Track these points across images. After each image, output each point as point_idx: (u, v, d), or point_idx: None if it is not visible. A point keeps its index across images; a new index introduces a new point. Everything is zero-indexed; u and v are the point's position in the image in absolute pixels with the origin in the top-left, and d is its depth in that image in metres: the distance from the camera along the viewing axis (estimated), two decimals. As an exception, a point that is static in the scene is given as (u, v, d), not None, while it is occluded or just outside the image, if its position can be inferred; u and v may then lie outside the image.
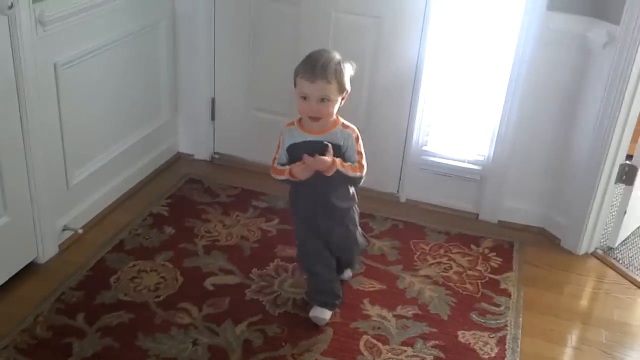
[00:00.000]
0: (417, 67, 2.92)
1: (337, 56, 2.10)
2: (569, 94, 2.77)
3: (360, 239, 2.41)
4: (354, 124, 3.05)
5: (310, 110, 2.06)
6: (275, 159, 2.21)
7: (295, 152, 2.13)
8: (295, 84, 2.10)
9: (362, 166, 2.17)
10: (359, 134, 2.20)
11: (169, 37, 3.14)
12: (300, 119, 2.16)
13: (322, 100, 2.05)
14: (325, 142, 2.09)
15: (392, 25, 2.91)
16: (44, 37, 2.33)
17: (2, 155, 2.23)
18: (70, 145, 2.59)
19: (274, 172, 2.20)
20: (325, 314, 2.31)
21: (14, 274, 2.39)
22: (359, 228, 2.39)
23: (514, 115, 2.86)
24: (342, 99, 2.11)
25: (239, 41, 3.18)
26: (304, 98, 2.06)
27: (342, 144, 2.13)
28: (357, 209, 2.36)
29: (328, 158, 2.07)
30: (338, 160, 2.10)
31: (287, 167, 2.15)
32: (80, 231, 2.64)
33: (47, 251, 2.53)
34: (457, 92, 2.96)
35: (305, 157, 2.05)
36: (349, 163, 2.14)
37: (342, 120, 2.18)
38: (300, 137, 2.14)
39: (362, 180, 2.22)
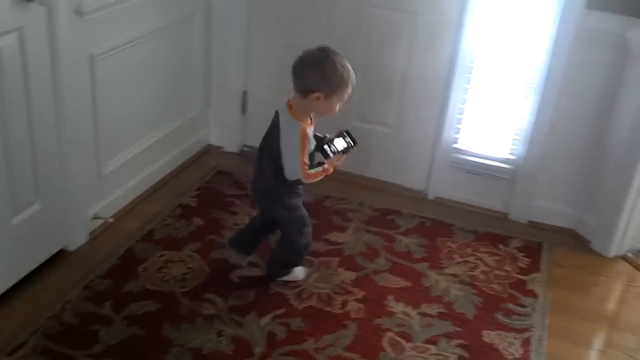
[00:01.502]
0: (451, 63, 2.90)
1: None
2: (605, 95, 2.73)
3: None
4: (385, 119, 3.11)
5: (335, 110, 2.23)
6: (304, 163, 2.20)
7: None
8: (333, 92, 2.17)
9: None
10: None
11: (204, 30, 3.16)
12: (304, 118, 2.23)
13: None
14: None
15: (427, 21, 2.89)
16: (81, 27, 2.36)
17: (36, 142, 2.27)
18: (103, 135, 2.63)
19: (312, 177, 2.23)
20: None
21: (44, 260, 2.44)
22: None
23: (548, 115, 2.82)
24: None
25: (273, 35, 3.19)
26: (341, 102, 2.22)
27: None
28: None
29: None
30: None
31: (321, 168, 2.24)
32: (111, 220, 2.68)
33: (77, 239, 2.57)
34: (490, 89, 2.93)
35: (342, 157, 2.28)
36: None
37: None
38: (311, 132, 2.26)
39: None
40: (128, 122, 2.80)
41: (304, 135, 2.19)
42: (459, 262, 2.68)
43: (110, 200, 2.76)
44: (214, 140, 3.46)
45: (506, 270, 2.65)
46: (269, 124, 3.40)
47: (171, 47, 2.97)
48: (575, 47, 2.68)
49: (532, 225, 3.00)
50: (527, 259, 2.73)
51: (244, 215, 2.86)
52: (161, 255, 2.56)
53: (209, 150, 3.43)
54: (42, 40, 2.21)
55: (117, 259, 2.53)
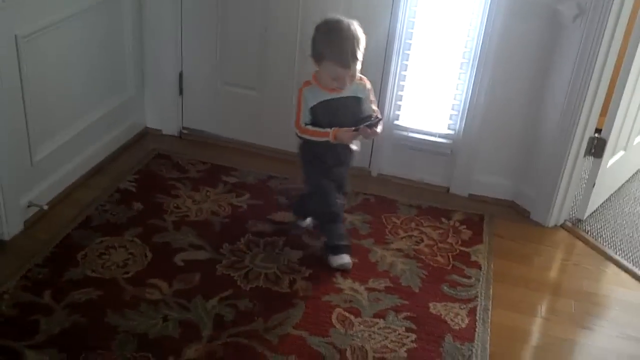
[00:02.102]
0: (388, 40, 2.90)
1: (354, 28, 2.25)
2: (538, 67, 2.78)
3: None
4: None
5: (341, 84, 2.27)
6: (299, 118, 2.34)
7: (325, 110, 2.32)
8: (318, 60, 2.27)
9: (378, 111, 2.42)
10: (370, 84, 2.40)
11: (135, 9, 3.06)
12: (317, 78, 2.33)
13: (352, 75, 2.27)
14: (378, 117, 2.34)
15: (362, -3, 2.87)
16: (4, 7, 2.25)
17: (-38, 129, 2.16)
18: (34, 120, 2.51)
19: (306, 132, 2.35)
20: (349, 259, 2.48)
21: (-23, 251, 2.34)
22: None
23: (484, 89, 2.85)
24: None
25: (207, 13, 3.11)
26: (335, 78, 2.26)
27: (362, 96, 2.37)
28: None
29: (379, 129, 2.33)
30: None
31: (329, 130, 2.31)
32: (46, 207, 2.58)
33: (12, 228, 2.47)
34: (427, 65, 2.94)
35: (363, 129, 2.29)
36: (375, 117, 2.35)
37: None
38: (325, 95, 2.32)
39: None
40: (59, 106, 2.69)
41: (299, 95, 2.34)
42: (403, 237, 2.70)
43: (45, 187, 2.65)
44: (152, 123, 3.37)
45: (449, 243, 2.69)
46: (207, 105, 3.36)
47: (101, 28, 2.87)
48: (508, 20, 2.71)
49: (473, 198, 3.04)
50: (469, 231, 2.78)
51: (185, 199, 2.80)
52: (101, 242, 2.48)
53: (146, 134, 3.34)
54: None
55: (55, 247, 2.44)
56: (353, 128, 2.30)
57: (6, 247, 2.43)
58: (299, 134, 2.37)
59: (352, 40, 2.21)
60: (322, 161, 2.42)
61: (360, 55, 2.24)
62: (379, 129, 2.32)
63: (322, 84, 2.31)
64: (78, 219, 2.61)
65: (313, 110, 2.32)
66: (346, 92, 2.32)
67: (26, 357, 1.95)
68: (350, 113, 2.35)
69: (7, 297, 2.17)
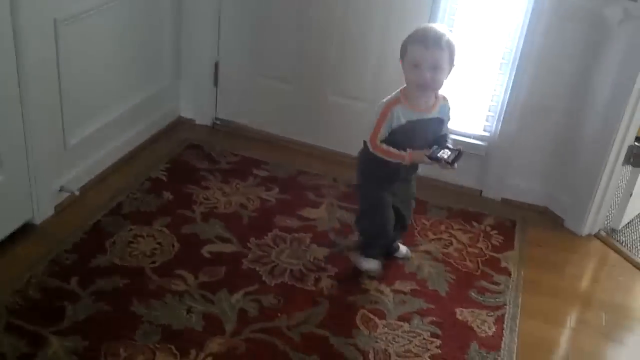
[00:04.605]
0: (426, 38, 2.85)
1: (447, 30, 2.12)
2: (580, 71, 2.71)
3: None
4: (361, 94, 3.04)
5: (420, 78, 2.07)
6: (377, 134, 2.16)
7: (408, 131, 2.14)
8: (403, 54, 2.11)
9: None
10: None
11: (174, -2, 3.07)
12: (405, 95, 2.14)
13: (435, 68, 2.05)
14: (460, 150, 2.16)
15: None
16: (44, -9, 2.27)
17: (-2, 112, 2.18)
18: (69, 105, 2.53)
19: (378, 149, 2.17)
20: (378, 265, 2.40)
21: (8, 234, 2.35)
22: None
23: (522, 91, 2.80)
24: (449, 73, 2.12)
25: (246, 4, 3.10)
26: (416, 65, 2.06)
27: (445, 118, 2.23)
28: None
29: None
30: None
31: (405, 153, 2.15)
32: (77, 193, 2.60)
33: (43, 212, 2.49)
34: (464, 64, 2.88)
35: (444, 164, 2.12)
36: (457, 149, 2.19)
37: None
38: (411, 115, 2.14)
39: None
40: (95, 92, 2.70)
41: (385, 110, 2.14)
42: (432, 239, 2.66)
43: (77, 172, 2.67)
44: (185, 112, 3.38)
45: (479, 248, 2.64)
46: (241, 96, 3.35)
47: (139, 15, 2.87)
48: (551, 22, 2.65)
49: (506, 202, 2.99)
50: (500, 237, 2.73)
51: (215, 190, 2.80)
52: (130, 230, 2.49)
53: (179, 123, 3.35)
54: (3, 4, 2.10)
55: (84, 233, 2.45)
56: (429, 154, 2.13)
57: (36, 231, 2.45)
58: (370, 150, 2.19)
59: (439, 30, 2.09)
60: (386, 178, 2.29)
61: (446, 45, 2.05)
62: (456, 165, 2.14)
63: (409, 101, 2.14)
64: (108, 206, 2.62)
65: (394, 130, 2.15)
66: (432, 113, 2.18)
67: (50, 343, 1.96)
68: (430, 135, 2.20)
69: (34, 281, 2.18)
